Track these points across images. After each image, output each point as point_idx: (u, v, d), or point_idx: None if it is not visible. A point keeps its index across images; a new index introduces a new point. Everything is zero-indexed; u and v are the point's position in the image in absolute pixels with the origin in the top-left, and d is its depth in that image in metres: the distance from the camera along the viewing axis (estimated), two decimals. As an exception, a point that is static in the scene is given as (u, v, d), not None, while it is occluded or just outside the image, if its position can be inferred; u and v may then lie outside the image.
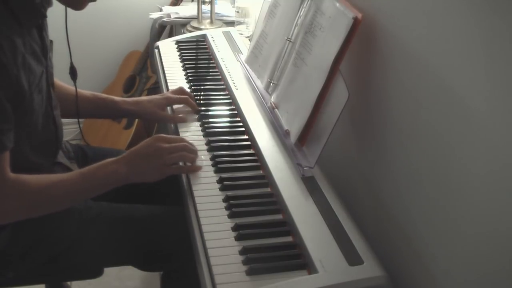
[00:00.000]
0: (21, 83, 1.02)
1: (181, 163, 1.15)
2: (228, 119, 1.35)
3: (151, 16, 2.30)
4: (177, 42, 1.78)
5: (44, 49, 1.13)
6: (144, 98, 1.41)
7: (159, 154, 1.10)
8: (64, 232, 1.18)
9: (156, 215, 1.25)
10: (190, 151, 1.14)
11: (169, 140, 1.14)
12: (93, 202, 1.23)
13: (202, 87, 1.48)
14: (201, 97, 1.44)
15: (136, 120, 2.43)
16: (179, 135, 1.28)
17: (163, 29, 2.36)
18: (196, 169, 1.14)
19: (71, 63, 1.30)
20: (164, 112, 1.38)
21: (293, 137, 1.16)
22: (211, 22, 2.09)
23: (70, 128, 2.54)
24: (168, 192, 1.28)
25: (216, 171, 1.14)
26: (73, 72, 1.30)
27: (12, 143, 1.03)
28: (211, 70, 1.60)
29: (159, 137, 1.14)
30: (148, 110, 1.37)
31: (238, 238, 0.96)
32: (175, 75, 1.57)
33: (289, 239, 0.98)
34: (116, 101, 1.39)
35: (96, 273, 1.26)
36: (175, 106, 1.38)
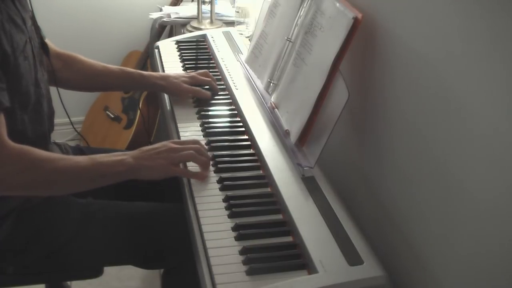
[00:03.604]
0: (3, 45, 1.03)
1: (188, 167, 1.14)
2: (228, 119, 1.35)
3: (151, 16, 2.30)
4: (177, 42, 1.78)
5: (23, 20, 1.14)
6: (170, 73, 1.47)
7: (167, 152, 1.11)
8: (64, 226, 1.18)
9: (156, 212, 1.25)
10: (200, 152, 1.13)
11: (181, 143, 1.15)
12: (93, 199, 1.24)
13: (202, 87, 1.48)
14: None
15: (136, 120, 2.44)
16: (179, 133, 1.28)
17: (163, 29, 2.36)
18: (200, 177, 1.12)
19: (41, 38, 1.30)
20: (187, 86, 1.42)
21: (293, 137, 1.16)
22: (211, 22, 2.09)
23: (69, 129, 2.54)
24: (168, 189, 1.28)
25: (216, 171, 1.14)
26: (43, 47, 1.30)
27: (8, 103, 1.04)
28: (211, 70, 1.59)
29: (173, 140, 1.16)
30: (174, 86, 1.42)
31: (238, 238, 0.96)
32: (175, 75, 1.57)
33: (289, 239, 0.98)
34: (144, 75, 1.44)
35: (96, 272, 1.26)
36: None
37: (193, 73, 1.47)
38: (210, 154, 1.19)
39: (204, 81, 1.45)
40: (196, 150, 1.13)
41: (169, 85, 1.42)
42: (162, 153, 1.11)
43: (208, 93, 1.43)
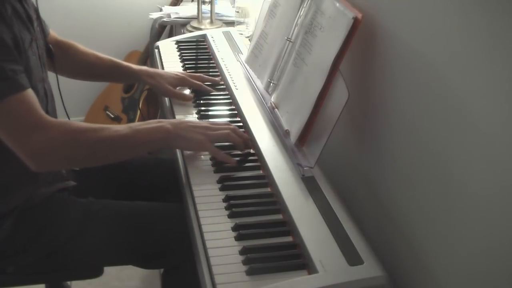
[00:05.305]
0: (15, 33, 1.04)
1: None
2: (228, 119, 1.35)
3: (151, 16, 2.30)
4: (177, 42, 1.78)
5: (29, 19, 1.15)
6: (161, 72, 1.48)
7: (205, 128, 1.15)
8: (64, 226, 1.18)
9: (157, 211, 1.25)
10: (236, 133, 1.17)
11: (217, 123, 1.20)
12: (94, 198, 1.24)
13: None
14: (201, 97, 1.44)
15: (136, 120, 2.44)
16: None
17: (163, 29, 2.36)
18: (230, 161, 1.15)
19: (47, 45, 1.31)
20: (173, 89, 1.43)
21: (293, 137, 1.16)
22: (211, 22, 2.09)
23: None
24: (168, 189, 1.28)
25: (216, 171, 1.14)
26: (49, 50, 1.31)
27: (29, 84, 1.04)
28: (211, 70, 1.59)
29: (207, 120, 1.21)
30: (159, 85, 1.43)
31: (238, 238, 0.96)
32: (175, 75, 1.57)
33: (289, 239, 0.98)
34: (133, 70, 1.47)
35: (96, 271, 1.26)
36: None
37: (183, 75, 1.47)
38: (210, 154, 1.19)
39: (193, 85, 1.46)
40: (233, 130, 1.16)
41: (155, 83, 1.44)
42: (200, 128, 1.14)
43: (190, 96, 1.43)
